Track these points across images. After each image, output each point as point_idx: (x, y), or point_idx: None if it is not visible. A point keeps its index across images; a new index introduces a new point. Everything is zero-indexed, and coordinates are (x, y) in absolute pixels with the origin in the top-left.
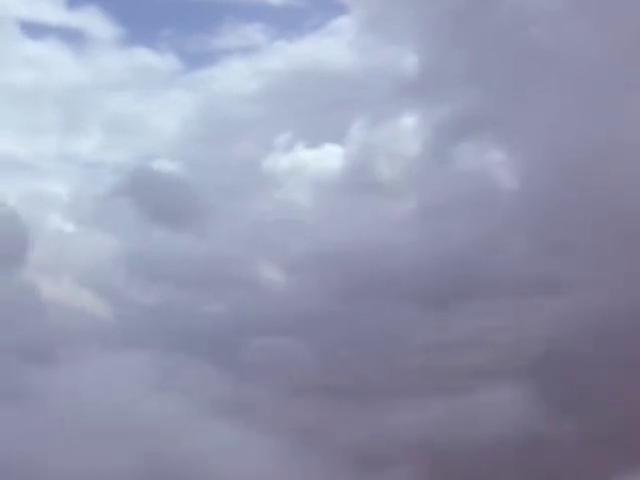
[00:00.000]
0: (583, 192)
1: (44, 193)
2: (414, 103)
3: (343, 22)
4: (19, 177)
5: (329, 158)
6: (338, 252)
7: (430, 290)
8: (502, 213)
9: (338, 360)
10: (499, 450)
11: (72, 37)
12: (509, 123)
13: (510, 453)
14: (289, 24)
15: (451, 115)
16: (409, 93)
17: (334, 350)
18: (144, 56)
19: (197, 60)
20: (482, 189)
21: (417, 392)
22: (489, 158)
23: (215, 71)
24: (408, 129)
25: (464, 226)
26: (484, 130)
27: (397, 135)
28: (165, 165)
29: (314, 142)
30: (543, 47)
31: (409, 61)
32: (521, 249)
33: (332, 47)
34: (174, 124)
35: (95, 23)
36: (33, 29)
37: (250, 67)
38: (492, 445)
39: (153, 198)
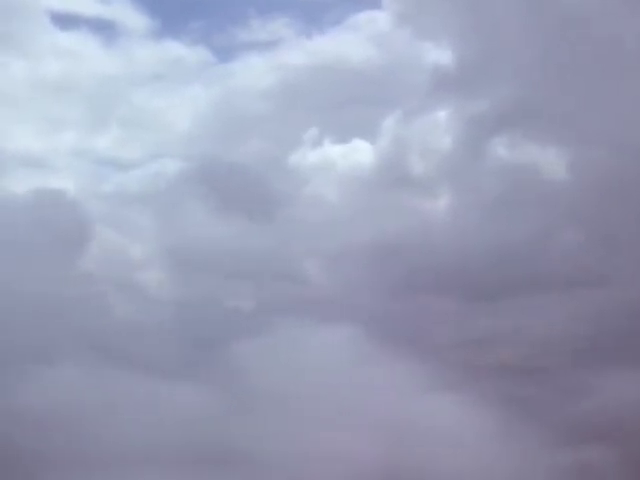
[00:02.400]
0: (631, 185)
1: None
2: (448, 97)
3: (375, 15)
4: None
5: (358, 153)
6: (374, 248)
7: (471, 286)
8: (543, 207)
9: None
10: None
11: (103, 28)
12: (546, 116)
13: None
14: (318, 18)
15: (486, 109)
16: (443, 87)
17: None
18: (174, 48)
19: (226, 53)
20: (518, 183)
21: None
22: (525, 152)
23: (243, 64)
24: (441, 124)
25: (503, 221)
26: (519, 124)
27: (430, 130)
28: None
29: (342, 137)
30: (584, 37)
31: (443, 55)
32: (566, 243)
33: (362, 41)
34: (197, 118)
35: (127, 14)
36: (64, 20)
37: (277, 61)
38: None
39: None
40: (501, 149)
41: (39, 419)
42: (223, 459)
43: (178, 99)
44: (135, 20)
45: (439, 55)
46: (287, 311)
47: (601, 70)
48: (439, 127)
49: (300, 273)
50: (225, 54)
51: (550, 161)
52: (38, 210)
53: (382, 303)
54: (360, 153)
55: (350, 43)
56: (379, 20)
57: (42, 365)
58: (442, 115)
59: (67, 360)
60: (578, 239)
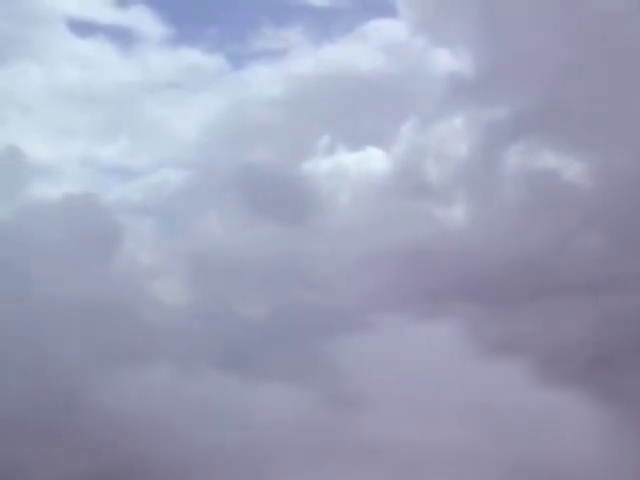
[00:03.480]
0: None
1: None
2: (465, 104)
3: (390, 23)
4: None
5: (372, 161)
6: (392, 255)
7: (492, 291)
8: (563, 212)
9: None
10: None
11: (120, 36)
12: (565, 122)
13: None
14: (331, 26)
15: (503, 116)
16: (460, 94)
17: None
18: (189, 56)
19: (240, 61)
20: (536, 189)
21: None
22: (543, 158)
23: (256, 72)
24: (458, 131)
25: (523, 227)
26: (537, 130)
27: (446, 137)
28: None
29: (355, 145)
30: (603, 43)
31: (460, 62)
32: (587, 248)
33: (376, 49)
34: (209, 126)
35: (143, 22)
36: (81, 27)
37: (289, 69)
38: None
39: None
40: (518, 156)
41: (129, 422)
42: (331, 456)
43: (190, 107)
44: (152, 27)
45: (456, 62)
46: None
47: (620, 75)
48: (456, 134)
49: None
50: (239, 62)
51: (569, 166)
52: (71, 216)
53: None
54: (374, 161)
55: (363, 51)
56: (393, 28)
57: (131, 367)
58: (459, 122)
59: (155, 361)
60: (599, 244)
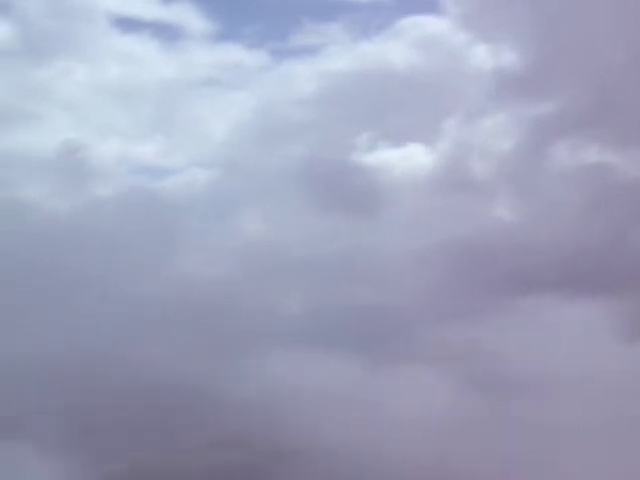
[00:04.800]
0: None
1: None
2: (510, 100)
3: (432, 19)
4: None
5: (415, 157)
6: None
7: (543, 286)
8: (616, 207)
9: None
10: None
11: (165, 32)
12: (614, 117)
13: None
14: (374, 22)
15: (551, 111)
16: (505, 90)
17: None
18: (232, 52)
19: (281, 57)
20: (581, 186)
21: None
22: (590, 153)
23: (296, 68)
24: (504, 127)
25: (569, 224)
26: (585, 125)
27: (492, 133)
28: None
29: (397, 142)
30: None
31: (506, 57)
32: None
33: (418, 45)
34: (243, 123)
35: (187, 18)
36: (125, 24)
37: (330, 66)
38: None
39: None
40: (564, 152)
41: (256, 411)
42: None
43: (228, 104)
44: (196, 23)
45: (500, 57)
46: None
47: None
48: (501, 130)
49: None
50: (280, 58)
51: (615, 162)
52: (128, 212)
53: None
54: (416, 157)
55: (404, 47)
56: (435, 24)
57: (254, 354)
58: (504, 118)
59: (278, 348)
60: None
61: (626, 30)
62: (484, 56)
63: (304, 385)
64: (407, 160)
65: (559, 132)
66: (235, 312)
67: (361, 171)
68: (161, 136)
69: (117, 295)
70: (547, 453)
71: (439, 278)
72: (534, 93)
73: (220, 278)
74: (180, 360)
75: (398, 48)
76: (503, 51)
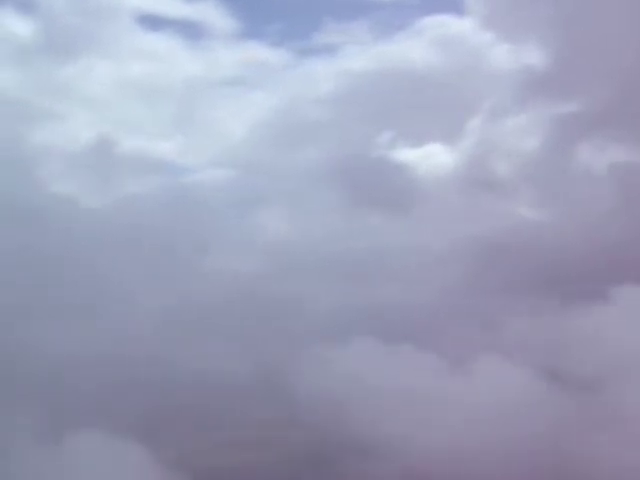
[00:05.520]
0: None
1: None
2: (534, 100)
3: (455, 20)
4: None
5: (436, 156)
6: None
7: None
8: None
9: None
10: None
11: (189, 30)
12: (636, 119)
13: None
14: (397, 22)
15: (575, 111)
16: (530, 90)
17: None
18: (255, 50)
19: (304, 56)
20: (605, 184)
21: None
22: (614, 154)
23: (318, 67)
24: (527, 126)
25: (594, 222)
26: (607, 126)
27: (516, 132)
28: None
29: (418, 141)
30: None
31: (530, 57)
32: None
33: (440, 44)
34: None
35: (212, 16)
36: (150, 21)
37: (351, 65)
38: None
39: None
40: (588, 151)
41: (331, 403)
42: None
43: (250, 103)
44: (220, 21)
45: (525, 57)
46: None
47: None
48: (525, 129)
49: None
50: (303, 56)
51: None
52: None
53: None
54: (438, 156)
55: (426, 47)
56: (459, 24)
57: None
58: (528, 117)
59: (355, 339)
60: None
61: None
62: (507, 56)
63: (375, 380)
64: (428, 159)
65: (583, 131)
66: (287, 308)
67: (383, 170)
68: (182, 134)
69: (161, 292)
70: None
71: (462, 276)
72: (558, 93)
73: (251, 274)
74: (244, 357)
75: (420, 47)
76: (527, 51)
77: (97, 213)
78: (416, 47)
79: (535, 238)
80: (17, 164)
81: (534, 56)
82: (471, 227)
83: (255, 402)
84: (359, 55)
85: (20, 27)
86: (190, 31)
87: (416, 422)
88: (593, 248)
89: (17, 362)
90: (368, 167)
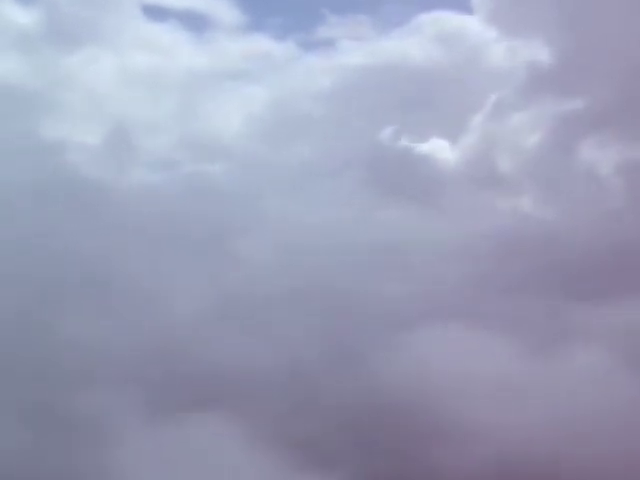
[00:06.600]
0: None
1: None
2: (538, 96)
3: (459, 14)
4: None
5: (440, 152)
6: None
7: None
8: None
9: None
10: None
11: (193, 21)
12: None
13: None
14: (400, 15)
15: (580, 108)
16: (534, 86)
17: None
18: (259, 43)
19: (307, 49)
20: (610, 182)
21: None
22: (619, 152)
23: (320, 60)
24: (531, 123)
25: (597, 220)
26: (612, 124)
27: (518, 129)
28: None
29: (420, 137)
30: None
31: (534, 53)
32: None
33: (443, 39)
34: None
35: (217, 7)
36: (155, 12)
37: (352, 59)
38: None
39: None
40: (593, 148)
41: (398, 390)
42: None
43: (251, 95)
44: (224, 13)
45: (529, 53)
46: None
47: None
48: (529, 126)
49: None
50: (304, 50)
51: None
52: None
53: None
54: (441, 152)
55: (429, 41)
56: (462, 19)
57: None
58: (532, 114)
59: (424, 325)
60: None
61: None
62: (511, 52)
63: (456, 367)
64: (431, 155)
65: (587, 128)
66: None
67: (387, 163)
68: (183, 126)
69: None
70: None
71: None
72: (562, 89)
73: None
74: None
75: (423, 42)
76: (530, 47)
77: (126, 200)
78: (419, 42)
79: (540, 235)
80: (35, 153)
81: (539, 53)
82: (475, 224)
83: (338, 390)
84: (362, 49)
85: (22, 16)
86: (194, 23)
87: (506, 408)
88: (600, 246)
89: None
90: (370, 161)
